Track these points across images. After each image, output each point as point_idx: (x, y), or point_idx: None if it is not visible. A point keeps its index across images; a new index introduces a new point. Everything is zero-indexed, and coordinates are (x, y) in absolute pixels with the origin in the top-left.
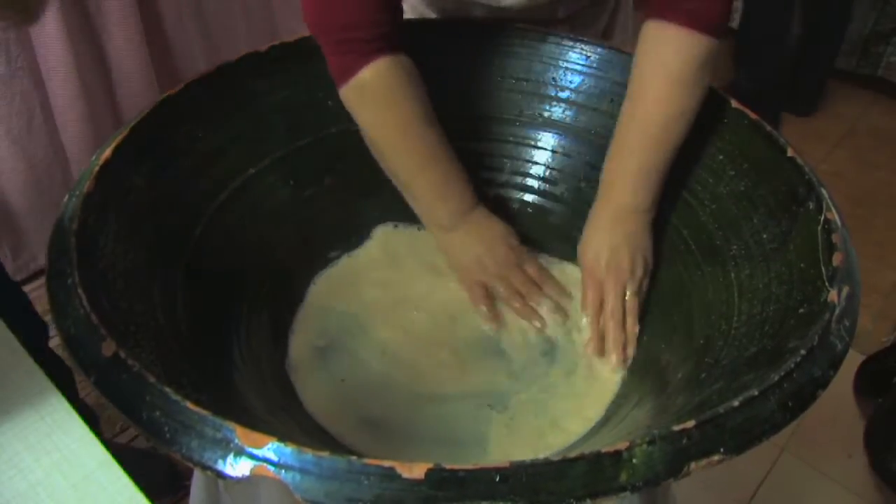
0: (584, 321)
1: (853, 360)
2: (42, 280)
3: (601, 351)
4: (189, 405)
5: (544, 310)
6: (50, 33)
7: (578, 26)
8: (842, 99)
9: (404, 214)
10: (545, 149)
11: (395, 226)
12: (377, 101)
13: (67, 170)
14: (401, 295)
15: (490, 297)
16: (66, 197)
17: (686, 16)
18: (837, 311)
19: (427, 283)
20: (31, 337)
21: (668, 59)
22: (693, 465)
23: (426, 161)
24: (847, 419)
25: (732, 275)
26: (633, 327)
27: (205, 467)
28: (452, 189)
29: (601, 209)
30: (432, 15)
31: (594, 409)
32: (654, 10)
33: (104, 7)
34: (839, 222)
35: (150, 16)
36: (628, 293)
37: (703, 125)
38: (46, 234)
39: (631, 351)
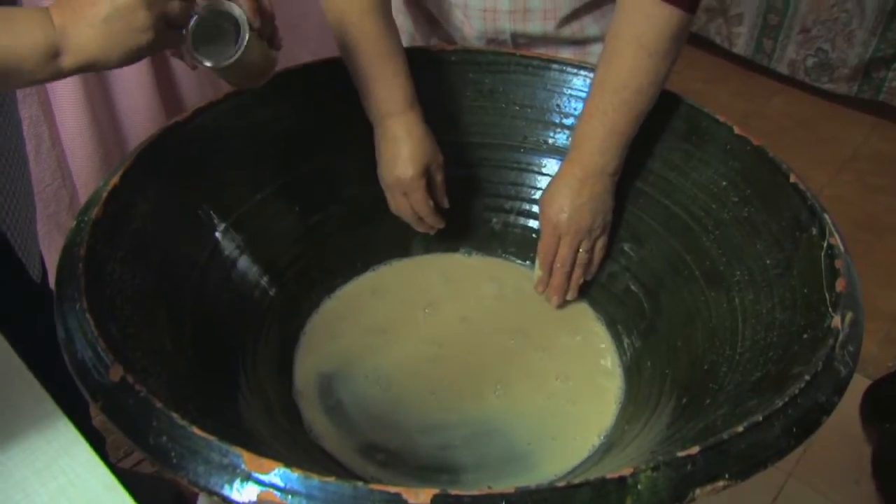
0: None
1: (859, 385)
2: None
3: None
4: (195, 430)
5: None
6: None
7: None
8: (844, 124)
9: (408, 244)
10: (550, 175)
11: (398, 257)
12: None
13: (74, 194)
14: (403, 324)
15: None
16: (75, 223)
17: None
18: (841, 336)
19: (427, 312)
20: (46, 359)
21: (643, 31)
22: (698, 491)
23: (350, 51)
24: (854, 445)
25: (736, 300)
26: (578, 278)
27: (211, 492)
28: (373, 88)
29: (570, 168)
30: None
31: (595, 434)
32: None
33: None
34: (842, 248)
35: None
36: (581, 249)
37: (706, 151)
38: (54, 259)
39: (571, 296)
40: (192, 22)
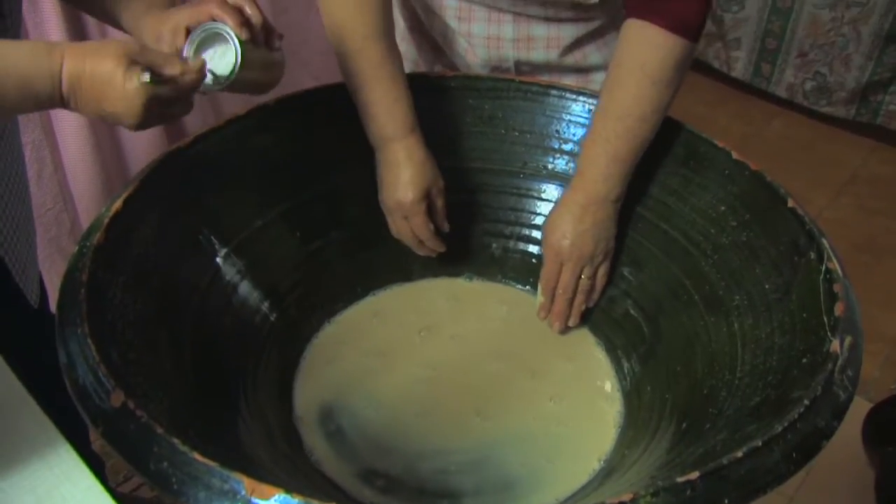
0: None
1: (861, 408)
2: None
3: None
4: (196, 456)
5: None
6: None
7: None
8: (843, 146)
9: (408, 269)
10: (549, 200)
11: (399, 281)
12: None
13: (76, 218)
14: (403, 349)
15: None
16: (77, 248)
17: (667, 18)
18: (840, 361)
19: (427, 337)
20: (46, 383)
21: (647, 59)
22: None
23: (353, 77)
24: (856, 468)
25: (735, 325)
26: (580, 305)
27: None
28: (375, 112)
29: (573, 194)
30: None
31: (594, 458)
32: (637, 10)
33: None
34: (840, 272)
35: None
36: (583, 276)
37: (705, 176)
38: (54, 282)
39: (573, 322)
40: (193, 50)
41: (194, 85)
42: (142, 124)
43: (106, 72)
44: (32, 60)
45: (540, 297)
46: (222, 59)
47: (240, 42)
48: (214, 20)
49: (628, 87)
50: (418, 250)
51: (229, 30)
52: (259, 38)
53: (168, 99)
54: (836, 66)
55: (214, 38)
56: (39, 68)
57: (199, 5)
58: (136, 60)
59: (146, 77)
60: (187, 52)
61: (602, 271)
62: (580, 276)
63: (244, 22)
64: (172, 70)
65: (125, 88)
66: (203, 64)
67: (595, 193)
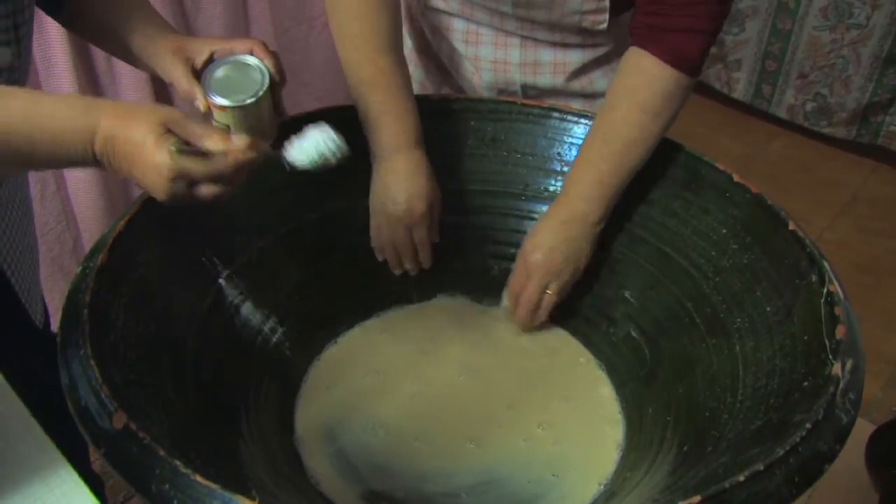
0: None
1: (864, 430)
2: None
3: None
4: (199, 479)
5: None
6: None
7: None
8: (844, 167)
9: (410, 291)
10: None
11: (400, 303)
12: (342, 9)
13: (78, 238)
14: (405, 371)
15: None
16: (80, 269)
17: (665, 50)
18: (842, 384)
19: (429, 359)
20: (47, 402)
21: (638, 88)
22: None
23: (365, 85)
24: (861, 490)
25: (737, 347)
26: (542, 316)
27: None
28: (386, 121)
29: (555, 210)
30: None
31: (596, 481)
32: (639, 39)
33: (117, 81)
34: (842, 295)
35: (161, 90)
36: (549, 290)
37: (706, 198)
38: (56, 302)
39: (536, 322)
40: (217, 70)
41: (239, 165)
42: (170, 199)
43: (138, 137)
44: (68, 117)
45: (505, 301)
46: (242, 86)
47: (270, 79)
48: (250, 54)
49: (617, 113)
50: (407, 264)
51: (263, 66)
52: (277, 94)
53: (199, 178)
54: (836, 87)
55: (240, 70)
56: (74, 126)
57: (240, 40)
58: (170, 129)
59: (174, 147)
60: (210, 71)
61: (565, 289)
62: (545, 291)
63: (278, 68)
64: (212, 145)
65: (154, 159)
66: (253, 142)
67: (574, 212)
